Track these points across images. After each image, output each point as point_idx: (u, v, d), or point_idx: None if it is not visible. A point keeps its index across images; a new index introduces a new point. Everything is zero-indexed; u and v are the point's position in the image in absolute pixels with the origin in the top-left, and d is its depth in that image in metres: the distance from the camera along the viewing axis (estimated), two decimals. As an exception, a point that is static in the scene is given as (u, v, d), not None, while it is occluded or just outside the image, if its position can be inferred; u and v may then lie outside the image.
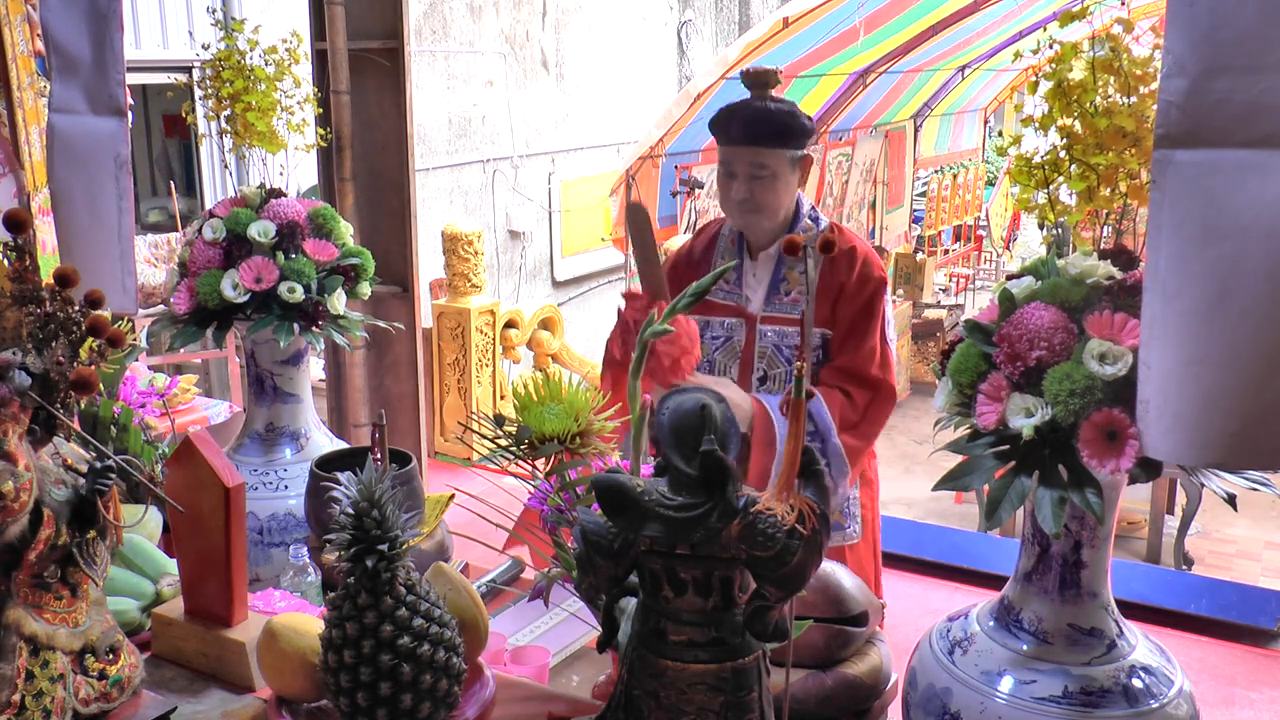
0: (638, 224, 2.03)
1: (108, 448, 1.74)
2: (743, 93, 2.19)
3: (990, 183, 12.94)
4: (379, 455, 1.60)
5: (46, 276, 1.33)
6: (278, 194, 2.44)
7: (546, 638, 2.33)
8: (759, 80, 2.17)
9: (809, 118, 2.20)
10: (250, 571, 1.98)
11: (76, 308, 1.33)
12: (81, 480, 1.35)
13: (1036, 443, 1.33)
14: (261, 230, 2.31)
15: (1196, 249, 1.19)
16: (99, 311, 1.34)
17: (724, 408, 1.13)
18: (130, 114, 2.13)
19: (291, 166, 2.56)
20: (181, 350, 5.51)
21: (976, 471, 1.38)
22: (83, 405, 2.02)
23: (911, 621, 3.25)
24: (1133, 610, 1.75)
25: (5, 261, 1.30)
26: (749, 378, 2.26)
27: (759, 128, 2.13)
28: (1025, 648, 1.46)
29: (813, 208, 2.32)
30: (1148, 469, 1.29)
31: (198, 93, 2.46)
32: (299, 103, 2.49)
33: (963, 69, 10.02)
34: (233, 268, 2.29)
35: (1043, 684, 1.41)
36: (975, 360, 1.42)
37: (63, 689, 1.32)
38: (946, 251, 12.34)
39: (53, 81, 2.09)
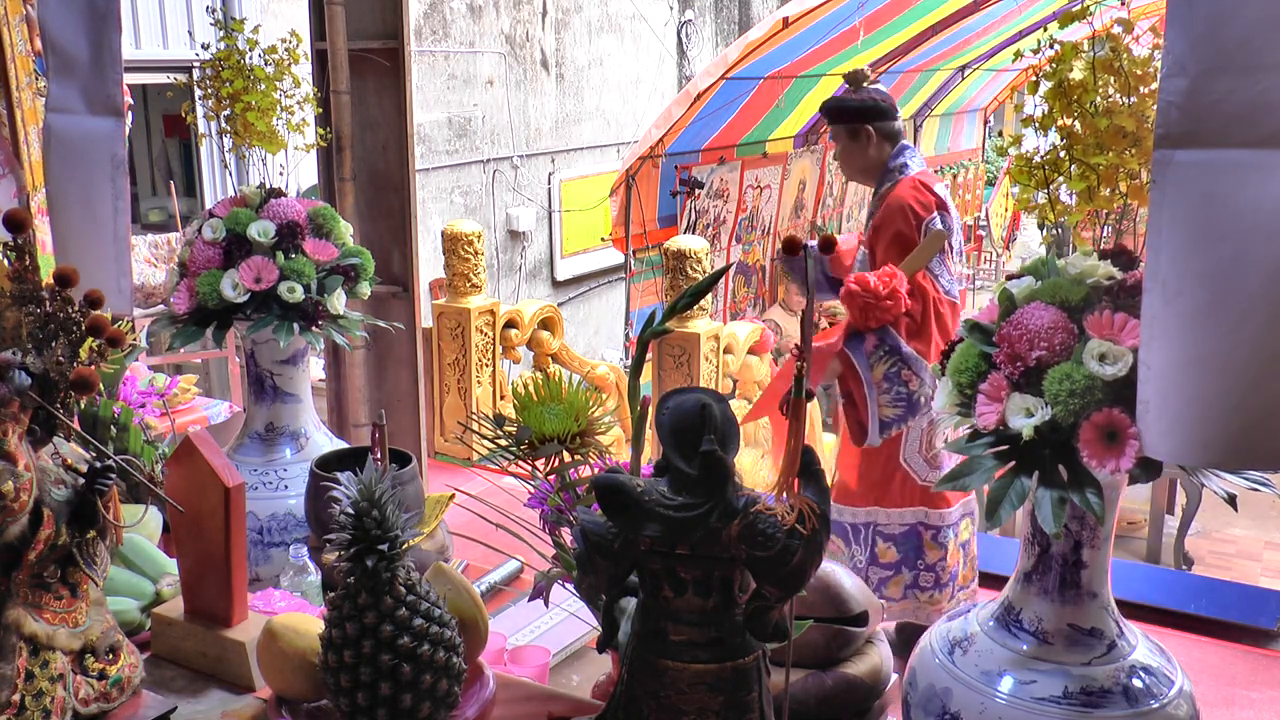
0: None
1: (108, 448, 1.74)
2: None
3: (990, 183, 12.93)
4: (379, 455, 1.60)
5: (46, 276, 1.33)
6: (278, 194, 2.44)
7: (546, 638, 2.33)
8: (849, 79, 3.09)
9: (861, 101, 3.01)
10: (250, 571, 1.98)
11: (76, 308, 1.33)
12: (81, 480, 1.35)
13: (1036, 443, 1.33)
14: (261, 230, 2.31)
15: (1197, 249, 1.19)
16: (99, 311, 1.34)
17: (723, 408, 1.13)
18: (130, 114, 2.12)
19: (291, 166, 2.56)
20: (181, 350, 5.51)
21: (976, 471, 1.38)
22: (83, 405, 2.02)
23: (912, 621, 3.23)
24: (1133, 610, 1.75)
25: (5, 261, 1.30)
26: None
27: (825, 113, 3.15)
28: (1025, 648, 1.46)
29: (904, 165, 3.10)
30: (1148, 469, 1.29)
31: (197, 93, 2.45)
32: (299, 103, 2.49)
33: (963, 69, 10.01)
34: (233, 268, 2.29)
35: (1043, 684, 1.41)
36: (975, 360, 1.42)
37: (63, 689, 1.32)
38: (946, 251, 12.29)
39: (50, 81, 2.08)
